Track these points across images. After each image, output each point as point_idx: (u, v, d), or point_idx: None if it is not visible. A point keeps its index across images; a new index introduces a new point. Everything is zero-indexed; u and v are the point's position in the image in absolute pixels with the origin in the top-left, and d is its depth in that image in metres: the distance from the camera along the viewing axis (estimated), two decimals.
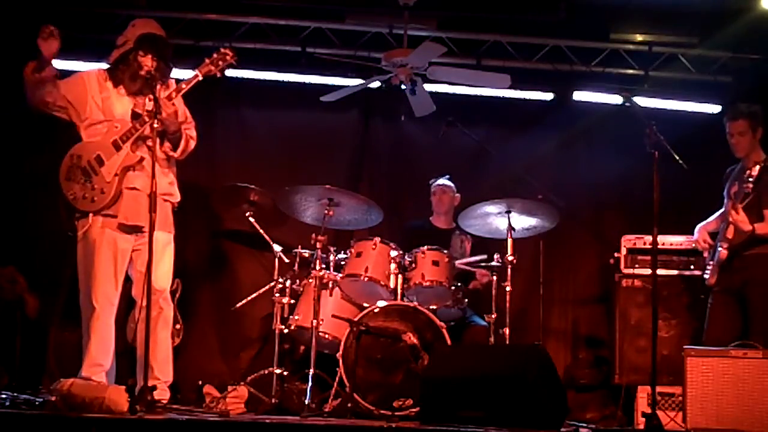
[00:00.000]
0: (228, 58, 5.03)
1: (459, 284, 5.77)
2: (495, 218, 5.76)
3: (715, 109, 7.03)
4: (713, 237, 5.59)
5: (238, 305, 6.17)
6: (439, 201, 6.48)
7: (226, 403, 4.96)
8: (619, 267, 6.33)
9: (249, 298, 6.16)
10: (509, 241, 5.63)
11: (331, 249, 5.84)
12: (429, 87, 6.19)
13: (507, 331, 5.58)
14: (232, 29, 6.76)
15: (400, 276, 5.58)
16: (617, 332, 6.25)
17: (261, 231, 6.15)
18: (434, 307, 5.55)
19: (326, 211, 5.57)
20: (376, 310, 5.41)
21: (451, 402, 4.42)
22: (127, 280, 5.07)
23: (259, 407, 5.38)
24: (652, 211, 4.80)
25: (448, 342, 5.31)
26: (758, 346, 4.89)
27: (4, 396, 4.60)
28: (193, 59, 5.31)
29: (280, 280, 5.95)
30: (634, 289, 6.28)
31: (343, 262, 5.79)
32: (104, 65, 5.16)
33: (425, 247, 5.66)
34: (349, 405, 5.14)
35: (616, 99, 6.94)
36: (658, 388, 5.41)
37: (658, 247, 5.76)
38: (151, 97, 4.67)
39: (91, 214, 4.93)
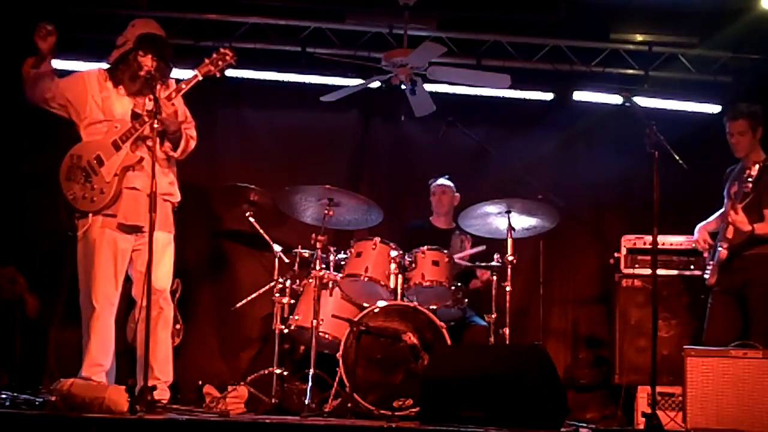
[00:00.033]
0: (228, 58, 5.03)
1: (459, 284, 5.77)
2: (495, 218, 5.76)
3: (715, 109, 7.03)
4: (713, 237, 5.59)
5: (238, 305, 6.17)
6: (439, 201, 6.48)
7: (226, 403, 4.95)
8: (619, 267, 6.33)
9: (249, 298, 6.15)
10: (509, 241, 5.63)
11: (331, 249, 5.84)
12: (429, 87, 6.19)
13: (507, 331, 5.58)
14: (232, 29, 6.76)
15: (400, 276, 5.58)
16: (617, 332, 6.25)
17: (261, 231, 6.15)
18: (434, 307, 5.55)
19: (326, 211, 5.57)
20: (376, 310, 5.41)
21: (451, 402, 4.42)
22: (127, 280, 5.07)
23: (259, 407, 5.38)
24: (652, 211, 4.80)
25: (448, 342, 5.31)
26: (758, 346, 4.89)
27: (4, 396, 4.59)
28: (193, 59, 5.31)
29: (280, 280, 5.95)
30: (634, 289, 6.28)
31: (343, 262, 5.79)
32: (104, 65, 5.16)
33: (425, 247, 5.66)
34: (349, 405, 5.14)
35: (616, 99, 6.94)
36: (658, 388, 5.41)
37: (658, 247, 5.76)
38: (151, 97, 4.67)
39: (90, 214, 4.93)
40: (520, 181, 6.29)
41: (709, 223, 5.71)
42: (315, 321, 5.36)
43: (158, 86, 4.81)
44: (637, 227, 6.30)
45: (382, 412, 5.11)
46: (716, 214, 5.66)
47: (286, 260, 6.06)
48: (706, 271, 5.52)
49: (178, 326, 5.80)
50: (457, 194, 6.50)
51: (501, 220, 5.72)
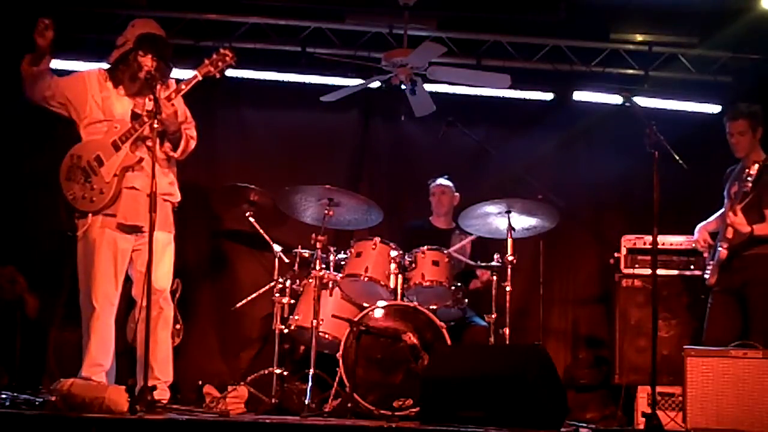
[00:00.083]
0: (227, 59, 5.02)
1: (459, 284, 5.77)
2: (495, 218, 5.75)
3: (715, 109, 7.03)
4: (713, 237, 5.59)
5: (238, 305, 6.17)
6: (439, 201, 6.48)
7: (226, 403, 4.95)
8: (619, 267, 6.33)
9: (249, 298, 6.15)
10: (509, 241, 5.63)
11: (331, 249, 5.84)
12: (429, 87, 6.19)
13: (507, 331, 5.58)
14: (232, 29, 6.76)
15: (400, 276, 5.58)
16: (617, 332, 6.25)
17: (261, 231, 6.14)
18: (434, 307, 5.55)
19: (326, 211, 5.56)
20: (376, 310, 5.41)
21: (451, 402, 4.42)
22: (127, 280, 5.07)
23: (259, 407, 5.38)
24: (652, 211, 4.80)
25: (448, 342, 5.31)
26: (758, 346, 4.89)
27: (4, 396, 4.59)
28: (193, 59, 5.31)
29: (280, 280, 5.95)
30: (634, 289, 6.28)
31: (343, 262, 5.79)
32: (104, 65, 5.16)
33: (425, 247, 5.66)
34: (349, 405, 5.14)
35: (616, 99, 6.94)
36: (658, 388, 5.41)
37: (658, 247, 5.76)
38: (151, 97, 4.67)
39: (90, 214, 4.93)
40: (520, 181, 6.29)
41: (709, 223, 5.71)
42: (315, 321, 5.36)
43: (158, 86, 4.80)
44: (637, 227, 6.30)
45: (382, 412, 5.11)
46: (716, 214, 5.66)
47: (286, 260, 6.06)
48: (706, 271, 5.52)
49: (178, 326, 5.81)
50: (457, 194, 6.50)
51: (501, 220, 5.72)
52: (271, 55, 6.92)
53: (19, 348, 5.91)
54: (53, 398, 4.25)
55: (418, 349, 5.24)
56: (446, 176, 6.52)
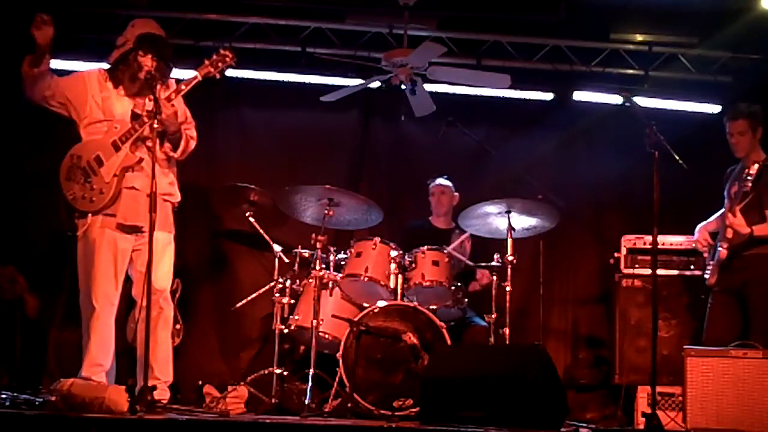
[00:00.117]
0: (228, 59, 5.02)
1: (459, 284, 5.77)
2: (495, 218, 5.76)
3: (715, 109, 7.03)
4: (713, 237, 5.59)
5: (238, 305, 6.17)
6: (438, 201, 6.48)
7: (226, 403, 4.95)
8: (619, 267, 6.33)
9: (249, 298, 6.15)
10: (509, 241, 5.63)
11: (331, 249, 5.84)
12: (429, 87, 6.19)
13: (507, 331, 5.58)
14: (232, 29, 6.76)
15: (400, 276, 5.58)
16: (617, 332, 6.25)
17: (261, 231, 6.14)
18: (434, 307, 5.55)
19: (326, 211, 5.57)
20: (376, 310, 5.41)
21: (451, 402, 4.42)
22: (127, 280, 5.07)
23: (259, 407, 5.38)
24: (652, 211, 4.80)
25: (448, 342, 5.31)
26: (758, 346, 4.89)
27: (4, 396, 4.59)
28: (193, 59, 5.30)
29: (280, 280, 5.95)
30: (634, 289, 6.28)
31: (343, 262, 5.79)
32: (104, 65, 5.16)
33: (425, 247, 5.66)
34: (349, 405, 5.14)
35: (616, 99, 6.94)
36: (658, 388, 5.41)
37: (658, 247, 5.76)
38: (151, 97, 4.67)
39: (90, 214, 4.93)
40: (520, 181, 6.29)
41: (709, 223, 5.71)
42: (315, 321, 5.36)
43: (158, 86, 4.80)
44: (637, 227, 6.30)
45: (382, 412, 5.11)
46: (717, 215, 5.66)
47: (286, 260, 6.06)
48: (706, 271, 5.52)
49: (178, 326, 5.80)
50: (456, 194, 6.50)
51: (501, 220, 5.72)
52: (271, 55, 6.92)
53: (19, 348, 5.91)
54: (53, 398, 4.25)
55: (418, 349, 5.24)
56: (445, 176, 6.52)
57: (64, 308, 6.08)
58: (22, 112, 5.73)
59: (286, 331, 5.82)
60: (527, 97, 7.19)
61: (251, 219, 6.16)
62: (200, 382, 5.54)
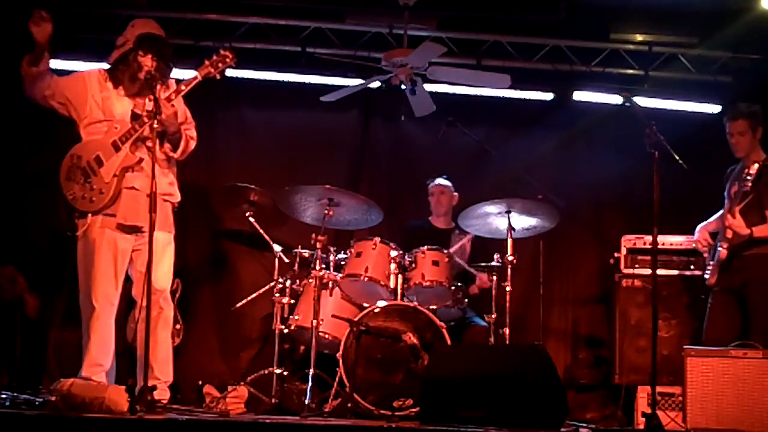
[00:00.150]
0: (228, 60, 5.01)
1: (459, 284, 5.77)
2: (495, 218, 5.76)
3: (715, 109, 7.03)
4: (714, 237, 5.59)
5: (238, 305, 6.18)
6: (438, 201, 6.48)
7: (226, 403, 4.95)
8: (619, 267, 6.33)
9: (249, 298, 6.16)
10: (509, 241, 5.63)
11: (331, 249, 5.84)
12: (429, 87, 6.19)
13: (507, 331, 5.58)
14: (232, 29, 6.76)
15: (400, 276, 5.58)
16: (617, 332, 6.25)
17: (261, 231, 6.14)
18: (434, 307, 5.55)
19: (326, 211, 5.57)
20: (376, 310, 5.41)
21: (451, 402, 4.42)
22: (127, 280, 5.07)
23: (259, 407, 5.38)
24: (652, 211, 4.80)
25: (448, 342, 5.31)
26: (758, 346, 4.89)
27: (4, 396, 4.59)
28: (193, 59, 5.30)
29: (280, 280, 5.95)
30: (634, 289, 6.28)
31: (343, 262, 5.79)
32: (104, 65, 5.16)
33: (425, 247, 5.66)
34: (349, 405, 5.14)
35: (616, 99, 6.94)
36: (658, 388, 5.41)
37: (658, 247, 5.76)
38: (151, 97, 4.67)
39: (90, 214, 4.93)
40: (520, 181, 6.29)
41: (709, 223, 5.71)
42: (315, 321, 5.36)
43: (158, 86, 4.80)
44: (637, 227, 6.30)
45: (382, 412, 5.11)
46: (717, 215, 5.66)
47: (286, 260, 6.06)
48: (706, 271, 5.52)
49: (178, 326, 5.80)
50: (456, 193, 6.50)
51: (501, 220, 5.72)
52: (271, 55, 6.92)
53: (19, 348, 5.91)
54: (53, 398, 4.25)
55: (418, 349, 5.24)
56: (445, 176, 6.52)
57: (64, 308, 6.08)
58: (22, 112, 5.73)
59: (286, 331, 5.82)
60: (527, 97, 7.19)
61: (251, 219, 6.16)
62: (200, 382, 5.54)
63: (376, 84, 6.29)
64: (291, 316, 5.86)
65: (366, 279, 5.55)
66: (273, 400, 5.47)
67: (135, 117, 4.99)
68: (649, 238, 6.12)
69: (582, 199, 7.07)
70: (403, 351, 5.28)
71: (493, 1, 6.52)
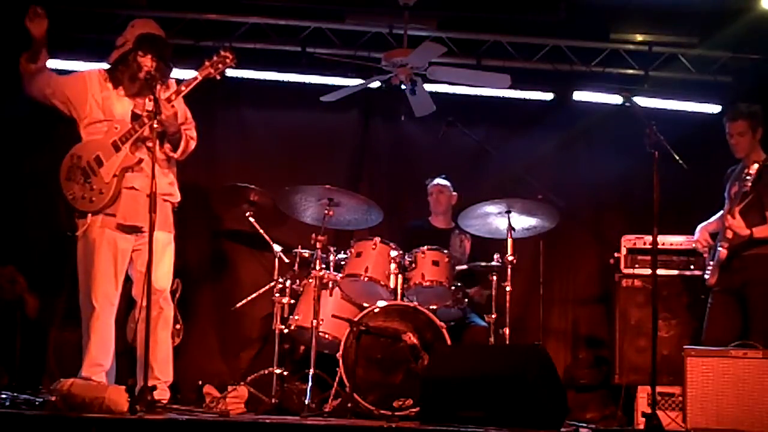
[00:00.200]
0: (228, 60, 5.01)
1: (459, 284, 5.77)
2: (495, 218, 5.76)
3: (715, 109, 7.03)
4: (714, 237, 5.59)
5: (238, 305, 6.18)
6: (437, 201, 6.48)
7: (226, 403, 4.95)
8: (619, 267, 6.33)
9: (249, 298, 6.16)
10: (509, 241, 5.63)
11: (331, 249, 5.84)
12: (429, 87, 6.19)
13: (507, 331, 5.59)
14: (232, 29, 6.76)
15: (400, 276, 5.58)
16: (617, 332, 6.25)
17: (261, 231, 6.15)
18: (434, 307, 5.55)
19: (326, 211, 5.57)
20: (376, 310, 5.41)
21: (451, 402, 4.42)
22: (127, 280, 5.07)
23: (259, 407, 5.38)
24: (652, 211, 4.80)
25: (448, 342, 5.31)
26: (758, 346, 4.89)
27: (4, 396, 4.59)
28: (193, 59, 5.30)
29: (280, 280, 5.95)
30: (634, 289, 6.28)
31: (343, 262, 5.79)
32: (104, 65, 5.16)
33: (425, 247, 5.66)
34: (349, 405, 5.14)
35: (616, 99, 6.94)
36: (658, 388, 5.41)
37: (658, 247, 5.76)
38: (151, 97, 4.67)
39: (90, 214, 4.93)
40: (520, 181, 6.29)
41: (710, 223, 5.71)
42: (315, 321, 5.36)
43: (158, 87, 4.80)
44: (637, 227, 6.30)
45: (382, 412, 5.11)
46: (717, 215, 5.66)
47: (286, 260, 6.06)
48: (706, 271, 5.52)
49: (178, 326, 5.80)
50: (455, 193, 6.50)
51: (501, 220, 5.72)
52: (271, 55, 6.91)
53: (19, 348, 5.91)
54: (53, 398, 4.25)
55: (418, 349, 5.24)
56: (444, 176, 6.52)
57: (64, 308, 6.08)
58: (22, 111, 5.73)
59: (286, 331, 5.82)
60: (527, 97, 7.18)
61: (251, 219, 6.17)
62: (200, 382, 5.54)
63: (376, 84, 6.29)
64: (291, 316, 5.86)
65: (366, 279, 5.55)
66: (273, 400, 5.47)
67: (135, 117, 4.99)
68: (649, 238, 6.11)
69: (582, 199, 7.07)
70: (403, 351, 5.28)
71: (493, 1, 6.52)
